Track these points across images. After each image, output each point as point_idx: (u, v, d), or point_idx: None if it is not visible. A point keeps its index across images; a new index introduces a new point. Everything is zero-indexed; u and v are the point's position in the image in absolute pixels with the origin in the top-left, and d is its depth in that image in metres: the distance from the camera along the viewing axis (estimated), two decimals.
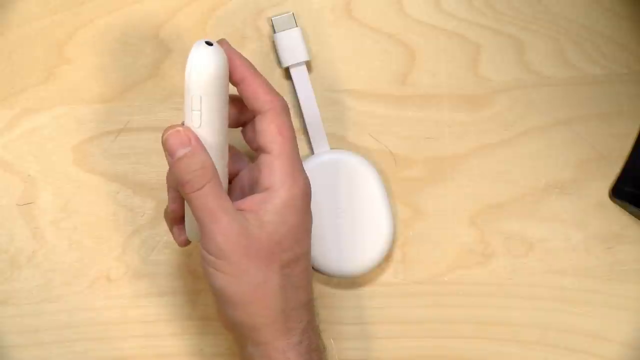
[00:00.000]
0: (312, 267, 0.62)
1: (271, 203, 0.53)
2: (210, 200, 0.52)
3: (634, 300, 0.63)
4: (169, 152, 0.53)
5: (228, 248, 0.52)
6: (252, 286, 0.53)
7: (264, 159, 0.54)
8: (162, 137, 0.53)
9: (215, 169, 0.53)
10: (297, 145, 0.55)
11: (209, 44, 0.52)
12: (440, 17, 0.63)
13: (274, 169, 0.54)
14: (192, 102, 0.52)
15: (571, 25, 0.63)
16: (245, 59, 0.55)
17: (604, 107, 0.63)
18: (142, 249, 0.63)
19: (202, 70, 0.52)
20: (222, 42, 0.54)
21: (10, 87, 0.63)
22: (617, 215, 0.63)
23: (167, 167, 0.55)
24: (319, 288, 0.63)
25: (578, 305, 0.63)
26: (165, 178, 0.56)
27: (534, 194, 0.63)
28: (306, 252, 0.55)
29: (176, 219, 0.57)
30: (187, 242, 0.58)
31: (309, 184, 0.55)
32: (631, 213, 0.63)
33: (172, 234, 0.58)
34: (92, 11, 0.63)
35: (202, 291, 0.63)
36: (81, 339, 0.63)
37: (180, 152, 0.52)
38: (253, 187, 0.55)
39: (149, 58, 0.63)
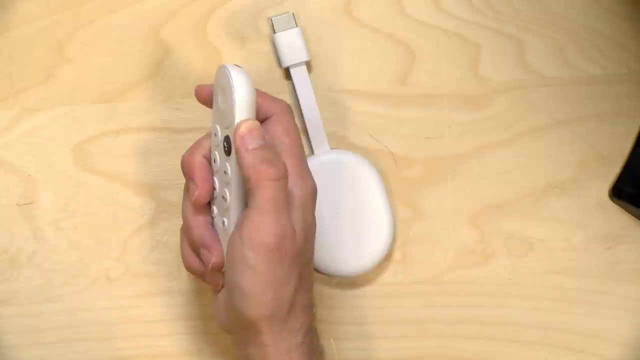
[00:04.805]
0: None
1: (292, 205, 0.53)
2: (282, 194, 0.52)
3: (634, 300, 0.63)
4: (241, 142, 0.51)
5: (277, 248, 0.51)
6: (273, 285, 0.52)
7: None
8: (235, 132, 0.52)
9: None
10: (302, 145, 0.56)
11: (238, 67, 0.53)
12: (440, 17, 0.63)
13: None
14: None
15: (571, 25, 0.63)
16: None
17: (604, 107, 0.63)
18: (142, 249, 0.63)
19: (249, 94, 0.52)
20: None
21: (10, 87, 0.63)
22: (617, 215, 0.63)
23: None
24: (319, 288, 0.63)
25: (578, 305, 0.63)
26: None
27: (534, 194, 0.63)
28: (313, 254, 0.55)
29: (220, 265, 0.55)
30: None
31: (315, 184, 0.55)
32: (631, 213, 0.63)
33: (209, 282, 0.55)
34: (92, 11, 0.63)
35: (201, 291, 0.63)
36: (81, 339, 0.63)
37: (256, 143, 0.52)
38: None
39: (149, 58, 0.63)
